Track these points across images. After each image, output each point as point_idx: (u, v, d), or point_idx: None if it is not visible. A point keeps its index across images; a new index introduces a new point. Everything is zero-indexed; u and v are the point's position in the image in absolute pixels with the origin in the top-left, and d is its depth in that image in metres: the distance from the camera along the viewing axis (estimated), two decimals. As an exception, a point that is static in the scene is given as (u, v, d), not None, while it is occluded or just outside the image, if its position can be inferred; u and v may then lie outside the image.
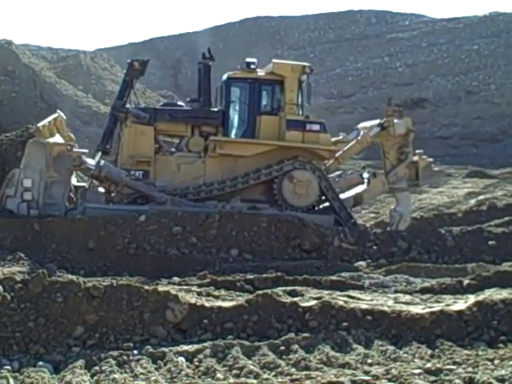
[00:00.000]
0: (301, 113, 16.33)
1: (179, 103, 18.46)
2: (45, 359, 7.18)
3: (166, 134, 16.96)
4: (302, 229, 13.84)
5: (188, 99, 18.51)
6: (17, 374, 6.69)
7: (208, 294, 9.45)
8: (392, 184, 16.48)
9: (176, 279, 10.79)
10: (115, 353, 7.25)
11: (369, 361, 7.18)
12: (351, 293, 9.77)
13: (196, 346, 7.52)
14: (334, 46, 58.82)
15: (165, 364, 7.10)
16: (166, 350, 7.42)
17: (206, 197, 15.49)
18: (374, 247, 13.91)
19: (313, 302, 8.71)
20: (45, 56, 44.70)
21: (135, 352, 7.36)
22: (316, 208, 16.30)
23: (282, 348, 7.55)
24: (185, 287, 9.86)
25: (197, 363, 7.14)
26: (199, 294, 9.40)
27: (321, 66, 55.10)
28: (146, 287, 8.57)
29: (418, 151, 16.82)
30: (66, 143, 15.04)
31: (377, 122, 16.80)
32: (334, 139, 16.91)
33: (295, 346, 7.58)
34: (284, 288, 9.74)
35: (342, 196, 16.90)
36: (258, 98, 16.23)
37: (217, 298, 9.29)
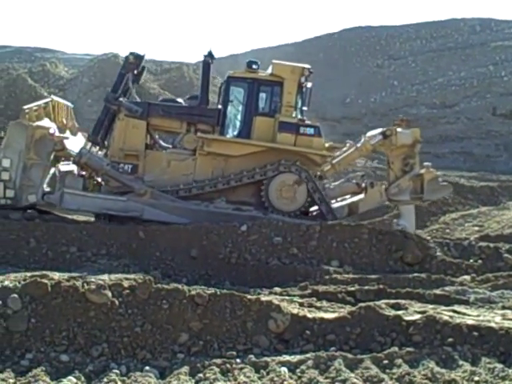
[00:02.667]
0: (299, 116, 16.00)
1: (178, 100, 18.02)
2: (151, 364, 7.34)
3: (160, 129, 16.84)
4: (404, 241, 13.62)
5: (187, 96, 18.43)
6: (124, 378, 6.87)
7: (310, 305, 9.44)
8: (393, 196, 15.82)
9: (277, 289, 10.81)
10: (219, 361, 7.34)
11: (476, 378, 6.98)
12: (456, 308, 9.54)
13: (298, 357, 7.52)
14: (437, 55, 57.74)
15: (267, 373, 7.13)
16: (268, 359, 7.46)
17: (188, 195, 15.47)
18: (479, 261, 13.51)
19: (417, 316, 8.56)
20: (149, 68, 45.91)
21: (238, 360, 7.43)
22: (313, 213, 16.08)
23: (386, 362, 7.45)
24: (286, 297, 9.88)
25: (299, 374, 7.15)
26: (301, 304, 9.40)
27: (423, 75, 54.33)
28: (249, 296, 8.65)
29: (425, 163, 16.13)
30: (47, 127, 14.95)
31: (380, 130, 16.30)
32: (327, 144, 16.47)
33: (399, 361, 7.46)
34: (387, 301, 9.61)
35: (336, 204, 16.54)
36: (255, 99, 15.98)
37: (319, 309, 9.27)
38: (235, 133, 16.13)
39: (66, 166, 15.58)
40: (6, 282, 8.11)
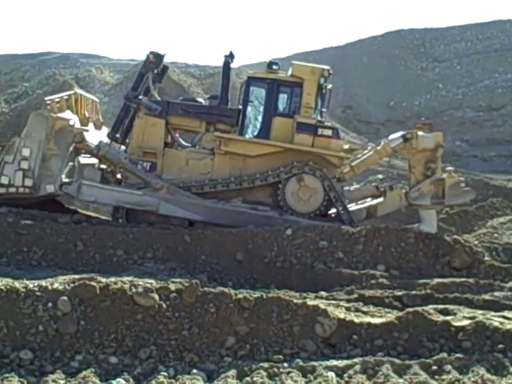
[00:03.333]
0: (318, 117, 15.90)
1: (199, 99, 18.20)
2: (198, 367, 7.36)
3: (179, 128, 16.83)
4: (451, 246, 13.43)
5: (208, 96, 18.30)
6: (172, 381, 6.93)
7: (356, 310, 9.38)
8: (413, 200, 15.55)
9: (323, 294, 10.77)
10: (266, 364, 7.34)
11: (528, 386, 6.86)
12: (506, 313, 9.37)
13: (346, 362, 7.48)
14: (482, 57, 56.92)
15: (315, 378, 7.11)
16: (315, 364, 7.43)
17: (202, 192, 15.52)
18: (529, 266, 13.26)
19: (466, 322, 8.45)
20: (192, 73, 46.24)
21: (285, 365, 7.42)
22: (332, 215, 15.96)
23: (434, 368, 7.37)
24: (333, 302, 9.84)
25: (347, 379, 7.12)
26: (348, 309, 9.36)
27: (468, 78, 53.61)
28: (295, 301, 8.62)
29: (448, 168, 15.77)
30: (67, 119, 15.13)
31: (401, 133, 16.06)
32: (346, 146, 16.38)
33: (448, 367, 7.36)
34: (435, 306, 9.50)
35: (355, 207, 16.40)
36: (275, 99, 15.91)
37: (365, 313, 9.21)
38: (254, 133, 16.11)
39: (86, 159, 15.73)
40: (56, 285, 8.22)
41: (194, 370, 7.21)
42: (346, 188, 16.69)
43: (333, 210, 16.01)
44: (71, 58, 64.35)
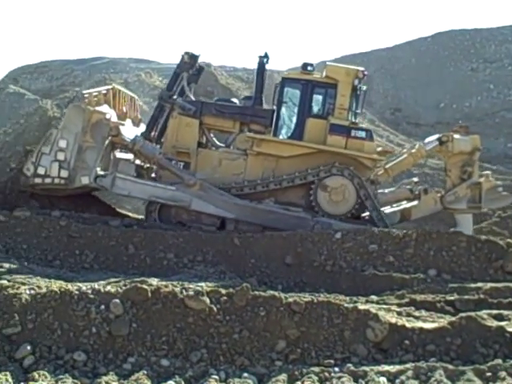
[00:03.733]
0: (352, 119, 15.83)
1: (233, 100, 18.26)
2: (249, 371, 7.35)
3: (213, 128, 16.93)
4: (504, 250, 13.17)
5: (242, 97, 18.27)
6: (224, 384, 6.95)
7: (408, 315, 9.27)
8: (449, 204, 15.43)
9: (374, 298, 10.68)
10: (317, 369, 7.30)
11: None
12: (560, 318, 9.14)
13: (397, 367, 7.38)
14: (536, 57, 55.85)
15: (366, 383, 7.03)
16: (367, 369, 7.36)
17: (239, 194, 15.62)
18: None
19: (521, 328, 8.26)
20: (240, 76, 46.32)
21: (336, 369, 7.36)
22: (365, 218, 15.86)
23: (489, 374, 7.20)
24: (384, 306, 9.74)
25: (399, 384, 7.02)
26: (399, 313, 9.25)
27: (521, 78, 52.60)
28: (346, 305, 8.56)
29: (485, 172, 15.40)
30: (104, 112, 15.34)
31: (437, 136, 15.80)
32: (379, 149, 16.22)
33: (503, 373, 7.19)
34: (488, 311, 9.31)
35: (389, 210, 16.22)
36: (309, 100, 15.92)
37: (417, 318, 9.08)
38: (288, 134, 16.13)
39: (123, 154, 16.00)
40: (108, 288, 8.31)
41: (245, 374, 7.20)
42: (381, 191, 16.68)
43: (367, 213, 15.96)
44: (121, 62, 65.08)
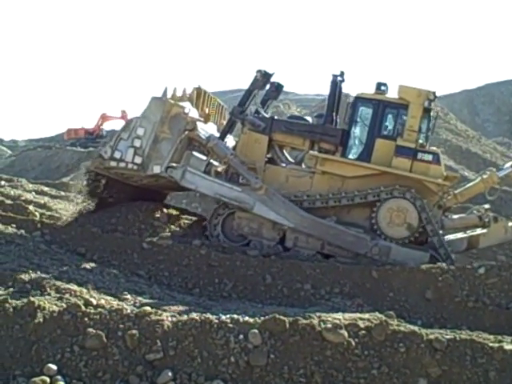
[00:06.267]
0: (422, 141, 15.26)
1: (306, 118, 18.02)
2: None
3: (283, 145, 16.74)
4: None
5: (315, 114, 17.75)
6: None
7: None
8: None
9: (521, 338, 10.14)
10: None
11: None
12: None
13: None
14: None
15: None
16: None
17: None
18: None
19: None
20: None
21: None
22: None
23: None
24: (532, 347, 9.21)
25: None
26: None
27: None
28: (491, 344, 8.19)
29: None
30: (183, 106, 15.61)
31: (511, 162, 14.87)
32: (446, 173, 15.43)
33: None
34: None
35: (456, 236, 15.54)
36: (379, 121, 15.51)
37: None
38: (357, 154, 15.90)
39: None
40: (247, 317, 8.40)
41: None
42: (449, 216, 16.16)
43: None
44: (260, 94, 66.63)
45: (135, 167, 15.40)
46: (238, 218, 15.86)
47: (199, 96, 17.39)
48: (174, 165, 15.45)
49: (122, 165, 15.47)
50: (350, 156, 15.95)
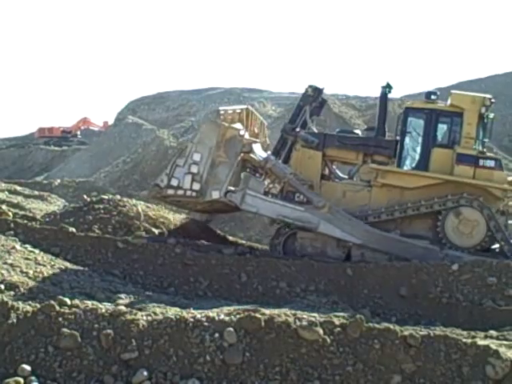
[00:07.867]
0: (480, 148, 15.26)
1: (355, 131, 18.06)
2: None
3: (336, 160, 16.74)
4: None
5: (365, 127, 17.80)
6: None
7: (531, 352, 8.82)
8: None
9: (493, 333, 10.22)
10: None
11: None
12: None
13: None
14: None
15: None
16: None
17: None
18: None
19: None
20: (353, 104, 46.15)
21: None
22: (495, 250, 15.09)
23: None
24: (504, 342, 9.30)
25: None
26: (522, 350, 8.82)
27: None
28: (464, 340, 8.25)
29: None
30: (238, 128, 15.38)
31: None
32: (510, 178, 15.39)
33: None
34: None
35: None
36: (434, 130, 15.46)
37: (541, 356, 8.63)
38: (412, 165, 15.81)
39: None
40: (222, 316, 8.39)
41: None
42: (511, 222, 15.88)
43: (497, 245, 15.31)
44: (234, 92, 66.51)
45: (194, 194, 15.00)
46: (300, 238, 15.65)
47: (248, 116, 17.16)
48: (233, 189, 15.21)
49: (180, 192, 15.07)
50: (405, 167, 15.87)
